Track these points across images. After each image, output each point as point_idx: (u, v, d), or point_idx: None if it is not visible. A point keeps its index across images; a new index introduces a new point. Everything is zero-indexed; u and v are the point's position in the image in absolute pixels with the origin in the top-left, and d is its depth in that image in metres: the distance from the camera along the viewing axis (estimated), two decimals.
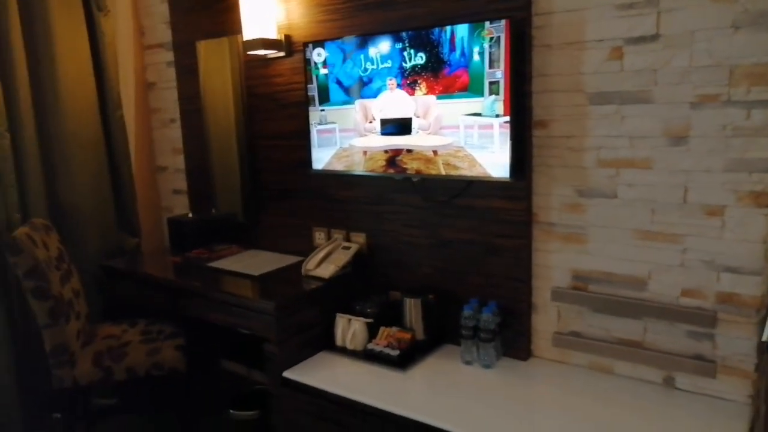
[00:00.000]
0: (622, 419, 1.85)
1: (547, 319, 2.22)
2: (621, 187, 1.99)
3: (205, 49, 3.04)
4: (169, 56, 3.27)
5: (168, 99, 3.36)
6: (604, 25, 1.93)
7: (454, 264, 2.38)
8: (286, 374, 2.26)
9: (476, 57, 2.07)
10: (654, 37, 1.85)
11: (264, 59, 2.81)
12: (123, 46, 3.26)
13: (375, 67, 2.32)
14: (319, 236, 2.79)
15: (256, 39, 2.63)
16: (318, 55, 2.48)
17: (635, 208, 1.97)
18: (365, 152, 2.43)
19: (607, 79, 1.96)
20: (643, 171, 1.94)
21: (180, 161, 3.37)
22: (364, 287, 2.58)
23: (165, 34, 3.27)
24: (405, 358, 2.24)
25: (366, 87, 2.36)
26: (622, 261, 2.03)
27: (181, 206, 3.43)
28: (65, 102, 2.93)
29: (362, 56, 2.34)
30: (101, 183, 3.11)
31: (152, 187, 3.53)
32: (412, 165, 2.30)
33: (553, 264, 2.17)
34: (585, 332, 2.15)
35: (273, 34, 2.67)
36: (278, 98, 2.82)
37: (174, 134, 3.37)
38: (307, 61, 2.52)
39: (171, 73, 3.29)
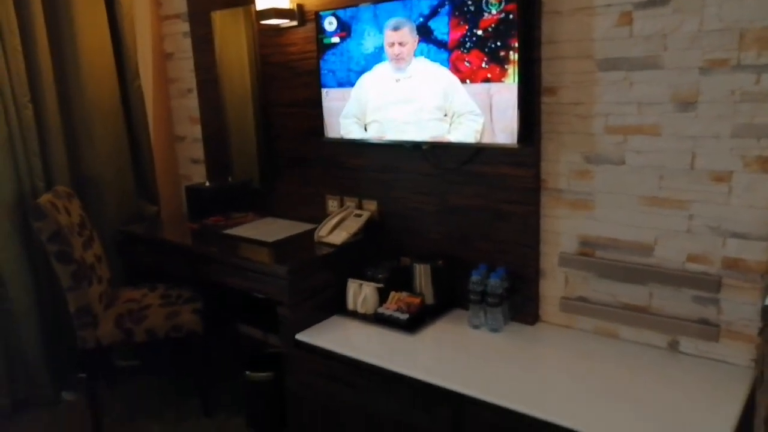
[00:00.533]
0: (628, 381, 1.89)
1: (554, 285, 2.25)
2: (628, 154, 1.99)
3: (219, 19, 3.07)
4: (186, 27, 3.30)
5: (185, 69, 3.40)
6: None
7: (463, 230, 2.42)
8: (299, 336, 2.32)
9: None
10: (664, 2, 1.84)
11: (277, 29, 2.83)
12: (140, 16, 3.30)
13: (386, 34, 2.33)
14: (332, 204, 2.84)
15: (269, 8, 2.64)
16: (330, 23, 2.49)
17: (642, 174, 1.98)
18: (377, 120, 2.45)
19: (616, 45, 1.95)
20: (651, 137, 1.94)
21: (197, 131, 3.42)
22: (375, 253, 2.63)
23: (181, 4, 3.29)
24: (414, 322, 2.30)
25: (378, 55, 2.38)
26: (629, 227, 2.04)
27: (199, 175, 3.49)
28: (85, 73, 2.99)
29: (374, 24, 2.36)
30: (121, 152, 3.18)
31: (171, 155, 3.60)
32: (422, 132, 2.33)
33: (561, 230, 2.19)
34: (591, 297, 2.17)
35: (285, 4, 2.69)
36: (292, 66, 2.84)
37: (191, 104, 3.42)
38: (319, 30, 2.54)
39: (187, 43, 3.32)
